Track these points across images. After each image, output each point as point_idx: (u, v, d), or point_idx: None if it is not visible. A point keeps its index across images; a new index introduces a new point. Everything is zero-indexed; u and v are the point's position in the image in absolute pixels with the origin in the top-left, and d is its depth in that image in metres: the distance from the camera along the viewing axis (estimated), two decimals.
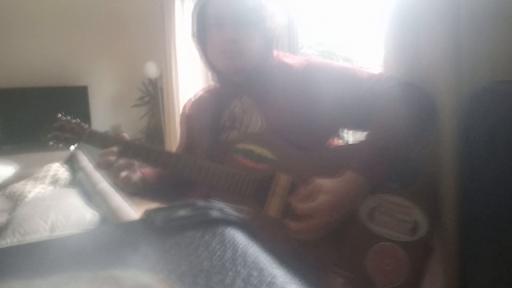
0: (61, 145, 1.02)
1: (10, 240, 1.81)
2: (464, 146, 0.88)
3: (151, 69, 3.77)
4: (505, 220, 0.79)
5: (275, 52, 0.99)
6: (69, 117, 1.05)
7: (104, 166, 0.93)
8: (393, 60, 1.03)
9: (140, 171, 1.00)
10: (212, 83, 1.10)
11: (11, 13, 3.75)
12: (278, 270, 0.34)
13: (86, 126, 1.03)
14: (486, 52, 0.88)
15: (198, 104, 1.11)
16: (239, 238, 0.41)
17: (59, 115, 1.04)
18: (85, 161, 2.91)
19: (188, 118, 1.11)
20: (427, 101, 0.87)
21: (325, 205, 0.75)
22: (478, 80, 0.87)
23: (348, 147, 0.97)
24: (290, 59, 1.00)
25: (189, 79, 2.99)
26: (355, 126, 0.99)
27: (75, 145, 1.01)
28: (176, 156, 0.94)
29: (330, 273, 0.79)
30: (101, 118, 4.03)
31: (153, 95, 4.15)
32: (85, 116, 3.85)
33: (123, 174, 0.94)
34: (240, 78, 0.97)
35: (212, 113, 1.02)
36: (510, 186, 0.77)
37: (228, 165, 0.90)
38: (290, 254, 0.73)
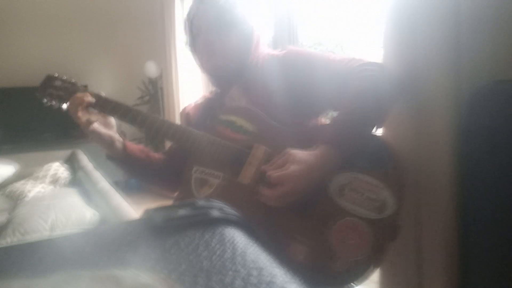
0: (54, 102, 1.04)
1: (10, 240, 1.81)
2: (464, 146, 0.88)
3: (151, 69, 3.77)
4: (505, 220, 0.79)
5: (259, 49, 1.06)
6: (65, 77, 1.07)
7: (75, 110, 0.96)
8: (392, 60, 1.03)
9: (125, 141, 1.05)
10: (213, 88, 1.17)
11: (11, 12, 3.75)
12: (277, 269, 0.34)
13: (82, 86, 1.07)
14: (486, 52, 0.88)
15: (199, 105, 1.18)
16: (239, 237, 0.41)
17: (56, 74, 1.07)
18: (85, 161, 2.91)
19: (188, 116, 1.17)
20: (391, 79, 0.93)
21: (295, 174, 0.80)
22: (478, 80, 0.87)
23: (327, 125, 1.02)
24: (274, 52, 1.08)
25: (189, 79, 2.99)
26: (330, 106, 1.04)
27: (67, 103, 1.02)
28: (154, 117, 0.98)
29: (295, 241, 0.83)
30: None
31: (153, 95, 4.15)
32: None
33: (94, 126, 0.96)
34: (226, 73, 1.04)
35: (209, 109, 1.09)
36: (510, 186, 0.77)
37: (209, 134, 0.95)
38: (259, 220, 0.77)
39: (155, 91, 4.09)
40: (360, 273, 0.80)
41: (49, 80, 1.05)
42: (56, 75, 1.06)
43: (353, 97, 0.89)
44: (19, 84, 3.77)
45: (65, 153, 3.22)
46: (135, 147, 1.09)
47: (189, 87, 2.96)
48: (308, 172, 0.81)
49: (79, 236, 0.52)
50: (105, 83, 4.24)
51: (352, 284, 0.81)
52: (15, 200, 2.49)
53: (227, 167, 0.91)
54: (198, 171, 0.93)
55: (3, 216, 2.16)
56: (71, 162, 3.11)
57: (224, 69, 1.03)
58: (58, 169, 2.91)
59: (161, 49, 3.23)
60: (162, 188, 1.23)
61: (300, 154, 0.82)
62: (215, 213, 0.47)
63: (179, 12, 2.98)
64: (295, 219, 0.84)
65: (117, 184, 2.22)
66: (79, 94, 0.99)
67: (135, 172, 1.13)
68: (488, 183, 0.82)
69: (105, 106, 0.99)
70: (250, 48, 1.04)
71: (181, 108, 1.20)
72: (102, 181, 2.28)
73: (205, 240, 0.40)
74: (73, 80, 1.07)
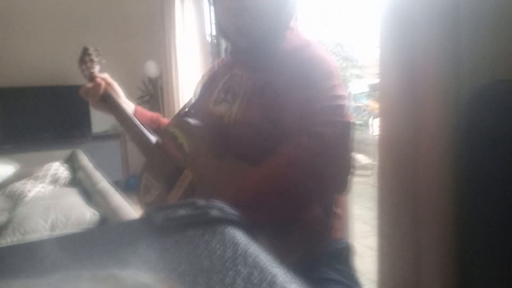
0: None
1: (10, 239, 1.80)
2: (464, 145, 0.88)
3: (151, 68, 3.77)
4: (505, 220, 0.79)
5: (296, 27, 0.88)
6: (93, 54, 1.15)
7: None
8: (389, 60, 1.03)
9: (135, 107, 1.13)
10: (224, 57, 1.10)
11: (11, 12, 3.75)
12: (278, 269, 0.34)
13: (94, 69, 1.12)
14: (486, 52, 0.88)
15: (209, 73, 1.10)
16: (239, 237, 0.41)
17: (89, 49, 1.16)
18: (85, 161, 2.91)
19: (199, 87, 1.11)
20: (334, 171, 0.76)
21: None
22: (478, 80, 0.87)
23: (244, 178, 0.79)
24: (297, 39, 0.87)
25: (189, 78, 2.99)
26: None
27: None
28: (134, 121, 1.05)
29: None
30: (101, 117, 4.02)
31: (153, 94, 4.14)
32: (85, 115, 3.84)
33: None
34: (246, 43, 0.86)
35: (214, 79, 1.01)
36: (510, 186, 0.77)
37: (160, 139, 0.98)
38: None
39: (155, 91, 4.09)
40: None
41: (84, 53, 1.14)
42: (88, 50, 1.15)
43: (290, 167, 0.73)
44: (19, 84, 3.77)
45: (65, 153, 3.21)
46: (146, 114, 1.12)
47: (189, 86, 2.96)
48: None
49: (79, 236, 0.52)
50: None
51: None
52: (15, 200, 2.49)
53: (164, 182, 0.93)
54: (146, 178, 0.96)
55: (3, 216, 2.15)
56: (71, 162, 3.11)
57: (250, 32, 0.83)
58: (58, 169, 2.90)
59: (161, 49, 3.22)
60: None
61: None
62: (215, 213, 0.47)
63: (179, 12, 2.98)
64: None
65: (117, 184, 2.22)
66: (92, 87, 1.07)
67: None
68: (488, 183, 0.82)
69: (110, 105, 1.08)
70: (284, 21, 0.85)
71: (181, 107, 1.14)
72: (102, 181, 2.28)
73: (205, 240, 0.40)
74: (94, 59, 1.14)
